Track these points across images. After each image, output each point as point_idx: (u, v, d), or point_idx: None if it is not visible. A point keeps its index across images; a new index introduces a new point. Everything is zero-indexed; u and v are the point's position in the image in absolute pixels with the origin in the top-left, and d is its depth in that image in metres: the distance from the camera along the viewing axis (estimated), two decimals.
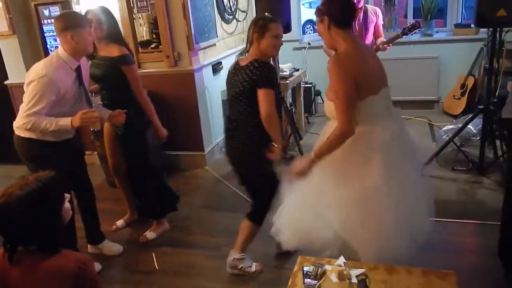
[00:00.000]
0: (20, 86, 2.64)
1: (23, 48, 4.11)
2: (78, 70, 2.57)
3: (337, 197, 2.06)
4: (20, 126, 2.45)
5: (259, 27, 2.37)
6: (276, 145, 2.36)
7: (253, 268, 2.70)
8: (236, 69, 2.46)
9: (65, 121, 2.43)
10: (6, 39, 4.23)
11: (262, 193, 2.56)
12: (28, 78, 2.44)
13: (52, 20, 3.23)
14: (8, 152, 4.43)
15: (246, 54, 2.46)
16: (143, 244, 3.15)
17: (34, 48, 4.22)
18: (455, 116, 4.92)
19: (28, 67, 2.90)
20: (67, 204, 1.55)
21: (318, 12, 2.07)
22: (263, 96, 2.30)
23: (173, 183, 4.05)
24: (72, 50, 2.48)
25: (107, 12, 2.93)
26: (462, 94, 4.97)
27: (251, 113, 2.37)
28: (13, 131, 2.58)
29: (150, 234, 3.21)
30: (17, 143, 2.59)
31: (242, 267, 2.68)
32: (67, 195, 1.57)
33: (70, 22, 2.46)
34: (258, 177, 2.52)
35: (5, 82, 4.42)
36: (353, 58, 1.99)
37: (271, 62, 2.45)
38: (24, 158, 2.62)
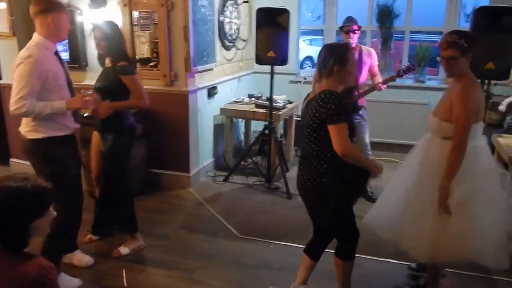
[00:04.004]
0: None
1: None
2: (58, 55, 2.59)
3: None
4: (13, 111, 2.37)
5: (339, 59, 2.23)
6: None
7: None
8: (308, 101, 2.35)
9: (60, 104, 2.45)
10: (5, 39, 4.26)
11: (338, 227, 2.41)
12: (15, 63, 2.42)
13: None
14: None
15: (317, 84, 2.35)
16: (115, 259, 3.09)
17: None
18: None
19: None
20: (46, 220, 1.55)
21: (462, 48, 2.28)
22: (333, 133, 2.16)
23: (155, 200, 4.04)
24: (49, 33, 2.48)
25: (112, 27, 2.95)
26: None
27: (320, 146, 2.25)
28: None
29: (123, 249, 3.15)
30: (27, 148, 2.53)
31: None
32: (53, 213, 1.57)
33: (51, 5, 2.47)
34: (326, 212, 2.31)
35: None
36: (478, 87, 2.37)
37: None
38: (35, 163, 2.54)
